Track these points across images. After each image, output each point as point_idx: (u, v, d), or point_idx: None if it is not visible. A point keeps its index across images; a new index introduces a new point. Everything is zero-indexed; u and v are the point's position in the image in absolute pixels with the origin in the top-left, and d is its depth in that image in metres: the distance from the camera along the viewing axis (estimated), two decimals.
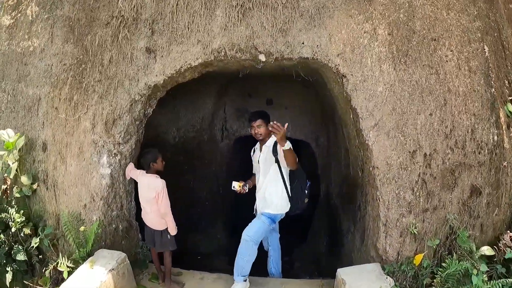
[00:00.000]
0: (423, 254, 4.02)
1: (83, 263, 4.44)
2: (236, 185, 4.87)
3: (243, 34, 4.43)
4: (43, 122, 5.07)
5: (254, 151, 5.13)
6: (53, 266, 4.55)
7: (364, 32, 4.28)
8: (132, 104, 4.76)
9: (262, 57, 4.44)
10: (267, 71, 5.19)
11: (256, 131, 4.65)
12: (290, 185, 4.56)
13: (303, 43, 4.35)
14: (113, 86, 4.76)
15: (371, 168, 4.15)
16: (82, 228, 4.59)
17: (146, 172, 4.77)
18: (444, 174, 4.19)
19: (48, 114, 5.05)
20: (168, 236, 4.79)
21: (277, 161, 4.44)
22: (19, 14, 5.48)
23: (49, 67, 5.11)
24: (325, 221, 7.43)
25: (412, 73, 4.21)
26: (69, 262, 4.53)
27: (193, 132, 7.97)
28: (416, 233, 4.04)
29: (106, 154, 4.78)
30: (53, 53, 5.12)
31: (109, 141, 4.78)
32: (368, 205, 4.43)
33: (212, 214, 8.50)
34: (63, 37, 5.08)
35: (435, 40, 4.30)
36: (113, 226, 4.95)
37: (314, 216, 8.43)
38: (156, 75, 4.66)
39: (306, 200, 4.74)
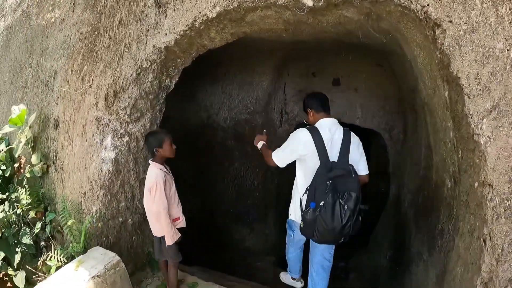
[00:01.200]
0: None
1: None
2: None
3: None
4: (58, 97, 4.34)
5: None
6: (43, 260, 3.81)
7: None
8: (139, 73, 3.79)
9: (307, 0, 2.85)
10: (329, 39, 3.97)
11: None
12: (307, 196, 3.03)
13: None
14: (119, 52, 3.83)
15: (477, 184, 2.34)
16: (69, 222, 3.77)
17: (152, 160, 3.78)
18: None
19: (62, 88, 4.30)
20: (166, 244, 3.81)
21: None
22: None
23: (68, 38, 4.42)
24: (392, 231, 6.07)
25: None
26: (62, 256, 3.81)
27: (246, 114, 6.93)
28: None
29: (110, 134, 3.89)
30: (73, 22, 4.41)
31: (114, 119, 3.87)
32: (459, 238, 2.68)
33: (262, 207, 7.52)
34: (83, 4, 4.33)
35: None
36: (120, 219, 4.12)
37: (380, 220, 7.11)
38: (166, 33, 3.59)
39: (302, 225, 3.09)
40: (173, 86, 4.27)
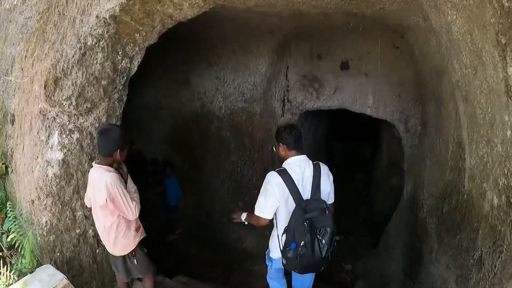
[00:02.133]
0: None
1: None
2: None
3: None
4: (15, 88, 3.54)
5: None
6: None
7: None
8: (84, 52, 2.97)
9: None
10: (336, 15, 3.11)
11: None
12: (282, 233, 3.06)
13: None
14: (63, 29, 3.01)
15: None
16: (10, 238, 3.01)
17: (99, 163, 2.98)
18: None
19: (15, 77, 3.51)
20: (135, 261, 3.25)
21: None
22: None
23: (28, 20, 3.63)
24: (406, 235, 5.24)
25: None
26: (13, 273, 3.15)
27: (242, 102, 6.09)
28: None
29: (57, 131, 3.09)
30: (34, 2, 3.56)
31: (59, 112, 3.04)
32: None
33: None
34: None
35: None
36: (77, 231, 3.36)
37: (392, 220, 6.27)
38: None
39: (285, 261, 3.06)
40: (135, 68, 3.45)
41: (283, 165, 3.15)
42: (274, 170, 3.06)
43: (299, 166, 3.09)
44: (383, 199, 8.59)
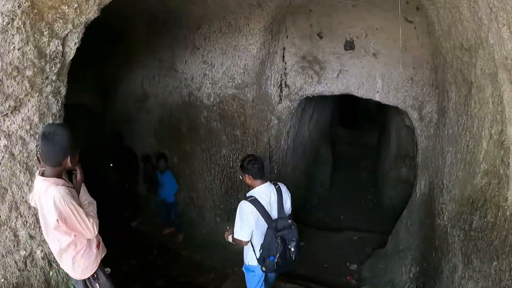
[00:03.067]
0: None
1: None
2: None
3: None
4: None
5: None
6: None
7: None
8: None
9: None
10: None
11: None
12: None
13: None
14: None
15: None
16: None
17: (44, 175, 2.38)
18: None
19: None
20: (97, 285, 2.79)
21: None
22: None
23: None
24: (419, 242, 4.52)
25: None
26: None
27: (233, 88, 5.32)
28: None
29: None
30: None
31: None
32: None
33: None
34: None
35: None
36: (22, 253, 2.78)
37: (401, 218, 5.53)
38: None
39: (264, 269, 3.69)
40: (73, 51, 2.70)
41: (252, 193, 3.60)
42: (246, 199, 3.51)
43: (265, 193, 3.61)
44: (391, 191, 7.82)
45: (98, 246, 2.78)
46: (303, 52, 5.30)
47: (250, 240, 3.62)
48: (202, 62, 5.45)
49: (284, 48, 5.36)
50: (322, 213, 8.18)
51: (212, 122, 5.72)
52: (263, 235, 3.53)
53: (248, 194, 3.59)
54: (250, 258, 3.74)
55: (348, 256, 6.46)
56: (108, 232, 7.05)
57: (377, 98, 5.08)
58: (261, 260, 3.57)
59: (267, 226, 3.51)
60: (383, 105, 5.45)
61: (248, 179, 3.66)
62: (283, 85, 5.62)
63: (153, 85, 6.44)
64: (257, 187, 3.63)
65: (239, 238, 3.58)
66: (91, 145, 9.18)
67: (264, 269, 3.62)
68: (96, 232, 2.54)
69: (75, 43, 2.67)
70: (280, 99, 5.71)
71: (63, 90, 2.74)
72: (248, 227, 3.52)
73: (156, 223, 7.07)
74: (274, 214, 3.62)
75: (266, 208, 3.54)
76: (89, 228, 2.45)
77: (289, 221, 3.63)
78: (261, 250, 3.55)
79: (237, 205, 3.54)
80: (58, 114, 2.75)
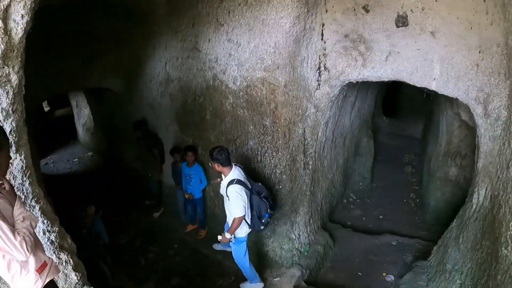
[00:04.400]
0: None
1: None
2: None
3: None
4: None
5: None
6: None
7: None
8: None
9: None
10: None
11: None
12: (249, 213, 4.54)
13: None
14: None
15: None
16: None
17: None
18: None
19: None
20: None
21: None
22: None
23: None
24: (473, 265, 3.65)
25: None
26: None
27: (262, 70, 4.57)
28: None
29: None
30: None
31: None
32: None
33: (288, 203, 5.36)
34: None
35: None
36: None
37: (452, 233, 4.58)
38: None
39: (262, 227, 4.67)
40: (23, 28, 2.06)
41: (231, 178, 4.32)
42: (233, 183, 4.26)
43: (238, 173, 4.38)
44: (436, 191, 6.81)
45: (41, 268, 2.32)
46: (345, 29, 4.44)
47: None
48: (226, 41, 4.72)
49: (323, 25, 4.52)
50: (360, 211, 7.37)
51: (239, 109, 5.01)
52: (249, 206, 4.42)
53: (229, 179, 4.32)
54: (239, 231, 4.51)
55: (385, 264, 5.71)
56: (129, 220, 6.75)
57: (433, 87, 4.16)
58: (258, 221, 4.52)
59: (250, 195, 4.42)
60: (429, 93, 4.54)
61: (217, 167, 4.37)
62: (322, 68, 4.79)
63: (176, 68, 5.81)
64: (231, 172, 4.39)
65: (239, 216, 4.29)
66: (116, 132, 8.85)
67: (262, 227, 4.60)
68: (28, 253, 2.09)
69: (25, 17, 2.01)
70: (318, 85, 4.89)
71: (15, 79, 2.10)
72: (243, 202, 4.28)
73: (180, 217, 6.65)
74: (249, 185, 4.47)
75: (246, 183, 4.40)
76: (18, 249, 2.04)
77: (259, 184, 4.64)
78: (255, 213, 4.48)
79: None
80: (11, 109, 2.12)
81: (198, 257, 5.82)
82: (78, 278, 2.92)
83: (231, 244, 4.66)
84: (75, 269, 2.93)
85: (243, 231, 4.53)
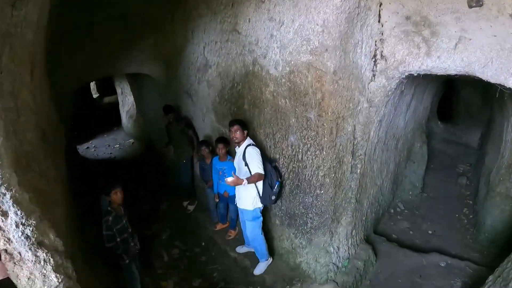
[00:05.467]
0: None
1: None
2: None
3: None
4: None
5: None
6: None
7: None
8: None
9: None
10: None
11: (233, 135, 4.59)
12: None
13: None
14: None
15: None
16: None
17: None
18: None
19: None
20: None
21: (246, 165, 4.47)
22: None
23: None
24: None
25: None
26: None
27: (307, 53, 3.86)
28: None
29: None
30: None
31: None
32: None
33: (329, 209, 4.53)
34: None
35: None
36: None
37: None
38: None
39: (274, 198, 4.57)
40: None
41: (249, 142, 4.58)
42: (252, 145, 4.52)
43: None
44: (495, 209, 5.77)
45: None
46: (407, 9, 3.64)
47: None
48: (268, 20, 4.08)
49: (380, 4, 3.76)
50: (407, 223, 6.47)
51: (280, 99, 4.34)
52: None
53: (247, 144, 4.50)
54: (256, 201, 4.58)
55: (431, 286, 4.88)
56: (159, 211, 6.35)
57: (510, 84, 3.30)
58: (269, 188, 4.49)
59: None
60: (490, 97, 3.63)
61: (243, 134, 4.52)
62: (378, 56, 4.01)
63: (214, 52, 5.26)
64: (247, 139, 4.57)
65: (261, 172, 4.36)
66: (154, 120, 8.53)
67: (273, 197, 4.51)
68: None
69: None
70: (373, 75, 4.12)
71: None
72: (261, 163, 4.39)
73: (211, 213, 6.13)
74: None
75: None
76: None
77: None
78: (267, 181, 4.48)
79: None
80: None
81: (224, 259, 5.29)
82: (59, 280, 2.41)
83: (247, 221, 4.76)
84: (56, 270, 2.41)
85: (258, 200, 4.59)
